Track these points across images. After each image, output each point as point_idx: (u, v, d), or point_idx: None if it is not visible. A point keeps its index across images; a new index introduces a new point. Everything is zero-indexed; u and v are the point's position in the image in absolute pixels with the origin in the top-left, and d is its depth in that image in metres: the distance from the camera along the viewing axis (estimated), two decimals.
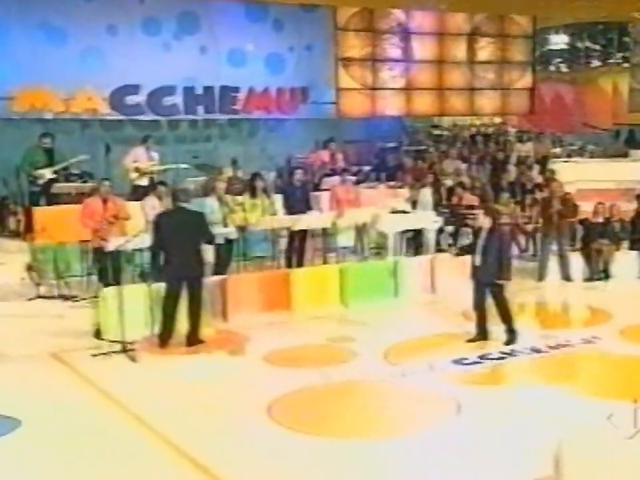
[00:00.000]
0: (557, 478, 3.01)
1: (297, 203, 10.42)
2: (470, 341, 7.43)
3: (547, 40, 23.10)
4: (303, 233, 10.43)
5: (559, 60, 23.65)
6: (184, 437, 5.13)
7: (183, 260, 7.35)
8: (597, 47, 23.44)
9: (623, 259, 10.86)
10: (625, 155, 15.88)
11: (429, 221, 10.67)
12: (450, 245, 11.06)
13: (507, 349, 7.19)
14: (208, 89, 14.82)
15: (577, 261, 10.84)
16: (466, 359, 6.95)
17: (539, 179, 13.60)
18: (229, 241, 9.99)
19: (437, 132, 18.54)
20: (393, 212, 10.78)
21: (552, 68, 23.16)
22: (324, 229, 10.53)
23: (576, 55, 23.69)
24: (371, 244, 10.95)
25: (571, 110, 21.32)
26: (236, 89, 15.19)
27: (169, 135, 15.23)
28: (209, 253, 9.45)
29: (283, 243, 10.64)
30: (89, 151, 11.76)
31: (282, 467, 4.76)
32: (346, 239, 10.80)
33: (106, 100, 13.76)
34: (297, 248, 10.46)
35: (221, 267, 9.79)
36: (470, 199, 12.70)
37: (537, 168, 14.83)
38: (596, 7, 17.93)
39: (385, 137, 17.22)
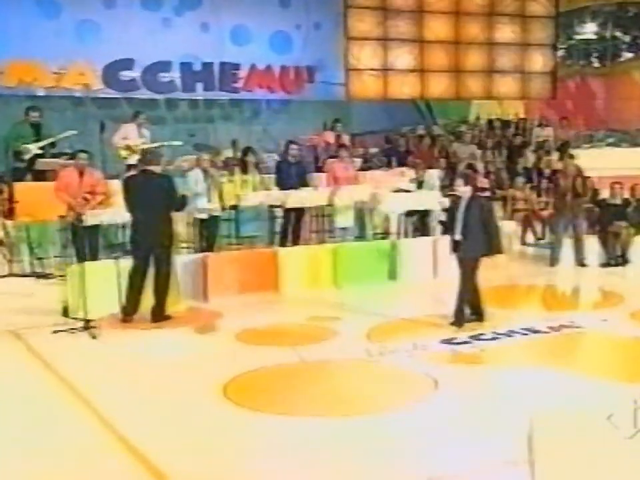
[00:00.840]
0: (530, 456, 2.82)
1: (291, 179, 10.00)
2: (454, 324, 6.96)
3: (573, 29, 22.37)
4: (300, 212, 10.12)
5: (589, 52, 22.84)
6: (117, 412, 4.91)
7: (150, 229, 7.09)
8: (627, 38, 22.53)
9: None
10: None
11: (434, 201, 10.19)
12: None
13: (504, 329, 6.81)
14: (207, 65, 14.39)
15: (593, 246, 10.64)
16: (454, 339, 6.63)
17: (558, 165, 13.19)
18: (213, 217, 9.51)
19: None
20: (395, 191, 10.61)
21: (582, 62, 22.45)
22: (322, 209, 10.32)
23: (605, 46, 22.75)
24: (374, 228, 10.63)
25: (599, 106, 20.64)
26: (237, 66, 14.75)
27: (167, 114, 14.82)
28: (192, 229, 9.10)
29: (279, 223, 10.30)
30: (82, 129, 11.29)
31: (225, 443, 4.48)
32: (345, 220, 10.39)
33: (98, 75, 13.37)
34: (293, 228, 10.11)
35: (207, 244, 9.36)
36: (481, 181, 12.43)
37: (556, 154, 14.42)
38: None
39: (398, 120, 16.77)
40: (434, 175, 11.65)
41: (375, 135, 15.58)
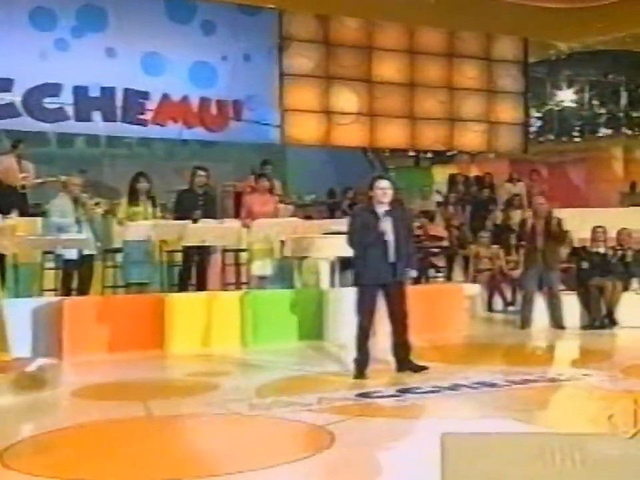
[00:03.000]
0: None
1: (196, 210, 9.37)
2: (357, 376, 6.54)
3: (547, 96, 22.60)
4: (203, 252, 9.40)
5: (568, 124, 23.03)
6: None
7: None
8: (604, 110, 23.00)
9: (632, 301, 10.18)
10: None
11: None
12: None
13: (447, 382, 6.20)
14: (107, 91, 13.27)
15: (572, 304, 10.25)
16: (377, 392, 6.03)
17: (527, 214, 12.37)
18: (86, 257, 8.30)
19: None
20: (328, 234, 9.87)
21: (564, 139, 22.50)
22: (238, 256, 9.76)
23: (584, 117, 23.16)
24: (304, 279, 10.01)
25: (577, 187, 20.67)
26: (145, 94, 13.72)
27: (57, 152, 13.65)
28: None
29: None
30: None
31: None
32: (262, 267, 9.73)
33: None
34: (197, 274, 9.40)
35: (78, 293, 8.31)
36: (436, 230, 12.51)
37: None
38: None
39: (342, 170, 16.19)
40: None
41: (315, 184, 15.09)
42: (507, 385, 6.23)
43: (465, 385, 6.13)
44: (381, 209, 6.58)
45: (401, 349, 6.68)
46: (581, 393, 6.26)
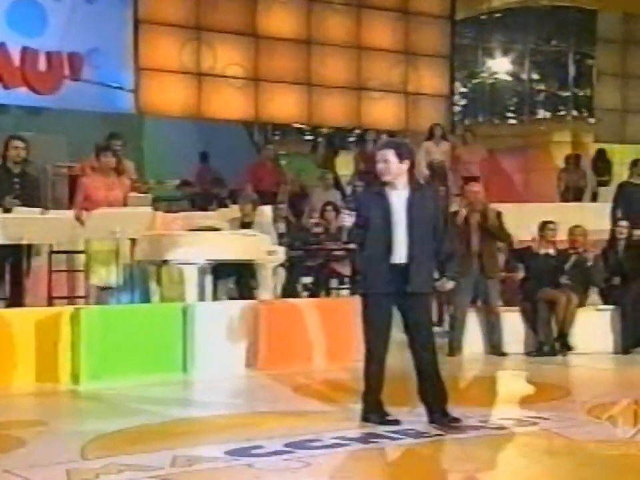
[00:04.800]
0: None
1: (8, 197, 9.30)
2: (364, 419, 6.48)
3: (476, 66, 23.06)
4: (20, 253, 9.40)
5: (501, 102, 23.65)
6: None
7: None
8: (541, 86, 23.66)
9: (591, 320, 10.47)
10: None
11: (261, 249, 9.90)
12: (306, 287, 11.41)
13: (334, 434, 6.20)
14: None
15: (515, 323, 10.47)
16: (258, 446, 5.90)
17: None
18: None
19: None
20: (198, 229, 10.22)
21: (496, 120, 23.13)
22: (72, 260, 9.99)
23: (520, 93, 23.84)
24: (164, 291, 10.02)
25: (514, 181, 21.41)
26: None
27: None
28: None
29: None
30: None
31: None
32: (104, 275, 9.76)
33: None
34: (11, 279, 9.46)
35: None
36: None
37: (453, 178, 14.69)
38: None
39: (217, 150, 16.15)
40: (267, 214, 11.57)
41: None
42: (424, 437, 6.12)
43: (358, 439, 6.03)
44: (391, 189, 6.23)
45: (428, 388, 6.38)
46: (536, 446, 6.12)
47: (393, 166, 6.12)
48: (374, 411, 6.34)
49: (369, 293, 6.28)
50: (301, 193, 14.74)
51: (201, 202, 14.22)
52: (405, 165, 6.17)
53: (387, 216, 6.14)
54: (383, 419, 6.24)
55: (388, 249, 6.16)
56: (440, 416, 6.21)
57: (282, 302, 10.01)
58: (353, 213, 6.18)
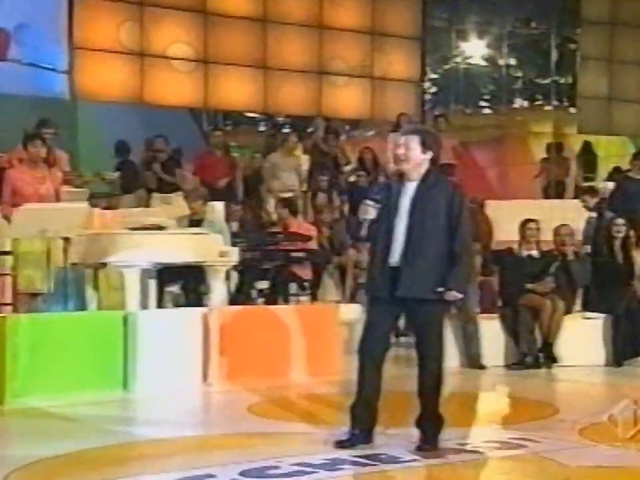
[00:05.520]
0: None
1: None
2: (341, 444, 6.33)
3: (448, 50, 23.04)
4: None
5: (475, 90, 23.60)
6: None
7: None
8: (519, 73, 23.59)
9: (579, 328, 10.58)
10: None
11: (212, 250, 9.83)
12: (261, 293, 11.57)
13: (292, 460, 6.14)
14: None
15: (494, 332, 10.55)
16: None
17: None
18: None
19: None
20: (141, 228, 10.03)
21: (470, 109, 23.05)
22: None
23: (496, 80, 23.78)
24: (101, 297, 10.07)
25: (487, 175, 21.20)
26: None
27: None
28: None
29: None
30: None
31: None
32: (35, 280, 9.71)
33: None
34: None
35: None
36: (300, 226, 12.66)
37: None
38: None
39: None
40: (219, 210, 11.59)
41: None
42: (398, 463, 5.98)
43: (323, 465, 5.87)
44: (405, 181, 6.23)
45: (421, 413, 6.33)
46: (524, 472, 6.08)
47: (413, 154, 6.06)
48: (357, 426, 6.27)
49: (368, 295, 6.38)
50: (255, 176, 14.68)
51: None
52: (428, 156, 6.11)
53: (393, 210, 6.10)
54: (353, 441, 6.15)
55: (387, 247, 6.15)
56: (428, 443, 6.16)
57: (238, 309, 9.99)
58: (377, 205, 6.11)
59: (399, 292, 6.07)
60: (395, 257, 6.11)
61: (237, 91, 16.56)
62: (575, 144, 19.59)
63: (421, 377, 6.21)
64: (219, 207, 11.60)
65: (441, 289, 6.13)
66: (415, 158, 6.03)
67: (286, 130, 19.37)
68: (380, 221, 6.17)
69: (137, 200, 13.33)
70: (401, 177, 6.23)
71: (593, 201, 12.98)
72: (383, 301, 6.18)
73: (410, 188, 6.17)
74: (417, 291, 6.07)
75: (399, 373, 9.48)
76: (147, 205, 12.89)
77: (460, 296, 6.32)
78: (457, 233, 6.20)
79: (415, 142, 6.07)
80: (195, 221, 10.86)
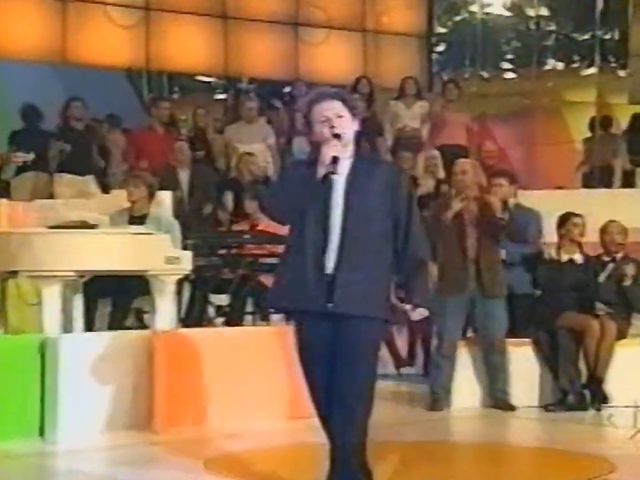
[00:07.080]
0: None
1: None
2: None
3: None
4: None
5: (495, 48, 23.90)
6: None
7: None
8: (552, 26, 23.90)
9: (633, 357, 10.58)
10: None
11: (158, 255, 9.97)
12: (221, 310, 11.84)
13: None
14: None
15: (527, 363, 10.66)
16: None
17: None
18: None
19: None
20: (63, 226, 10.16)
21: (488, 73, 23.37)
22: None
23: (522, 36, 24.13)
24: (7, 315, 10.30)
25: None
26: None
27: None
28: None
29: None
30: None
31: None
32: None
33: None
34: None
35: None
36: (273, 224, 12.33)
37: (438, 160, 15.08)
38: None
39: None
40: (166, 201, 11.88)
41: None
42: None
43: None
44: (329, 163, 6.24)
45: (338, 453, 6.34)
46: None
47: (346, 123, 6.02)
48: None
49: (290, 310, 6.54)
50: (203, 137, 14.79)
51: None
52: (355, 127, 6.08)
53: (324, 201, 6.15)
54: None
55: (319, 250, 6.17)
56: None
57: (190, 332, 10.01)
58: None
59: (331, 305, 6.08)
60: (328, 260, 6.13)
61: (187, 47, 16.92)
62: (624, 117, 19.65)
63: (334, 429, 6.23)
64: (166, 198, 11.72)
65: (407, 307, 6.14)
66: (348, 127, 5.98)
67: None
68: (302, 209, 6.15)
69: (34, 183, 13.31)
70: (335, 160, 6.05)
71: None
72: (311, 319, 6.19)
73: (344, 173, 6.16)
74: (355, 306, 6.09)
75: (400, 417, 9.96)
76: (48, 190, 12.93)
77: (427, 313, 6.32)
78: (411, 233, 6.18)
79: (341, 107, 6.07)
80: (136, 217, 10.88)
